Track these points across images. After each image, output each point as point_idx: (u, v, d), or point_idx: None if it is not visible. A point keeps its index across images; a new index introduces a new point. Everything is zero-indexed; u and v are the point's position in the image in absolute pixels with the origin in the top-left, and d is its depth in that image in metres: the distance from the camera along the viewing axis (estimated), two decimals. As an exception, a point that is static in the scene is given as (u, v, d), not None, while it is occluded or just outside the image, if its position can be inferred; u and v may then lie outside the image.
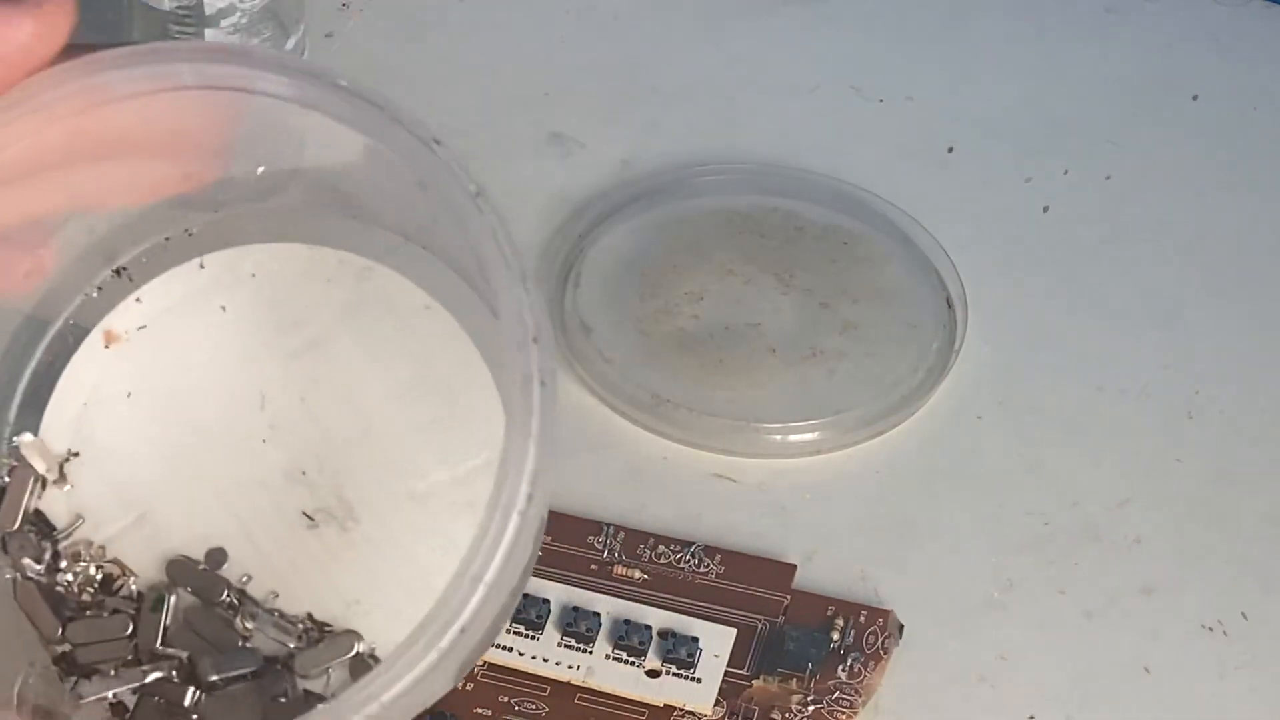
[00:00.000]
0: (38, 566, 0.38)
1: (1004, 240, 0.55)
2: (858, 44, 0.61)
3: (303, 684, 0.37)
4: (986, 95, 0.60)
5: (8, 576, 0.38)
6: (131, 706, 0.37)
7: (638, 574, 0.46)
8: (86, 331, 0.39)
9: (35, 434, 0.39)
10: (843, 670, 0.43)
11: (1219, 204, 0.56)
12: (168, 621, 0.38)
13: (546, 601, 0.44)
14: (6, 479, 0.39)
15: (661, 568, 0.46)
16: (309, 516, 0.38)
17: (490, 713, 0.43)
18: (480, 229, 0.33)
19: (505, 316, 0.33)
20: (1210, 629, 0.46)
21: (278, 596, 0.38)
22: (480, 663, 0.43)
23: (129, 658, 0.38)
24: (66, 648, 0.38)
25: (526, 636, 0.44)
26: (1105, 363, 0.52)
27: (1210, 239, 0.55)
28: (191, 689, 0.37)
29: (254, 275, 0.39)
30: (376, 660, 0.37)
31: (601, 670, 0.43)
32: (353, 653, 0.37)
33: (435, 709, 0.42)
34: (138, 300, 0.39)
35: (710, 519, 0.48)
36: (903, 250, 0.54)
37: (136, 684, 0.37)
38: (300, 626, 0.38)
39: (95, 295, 0.39)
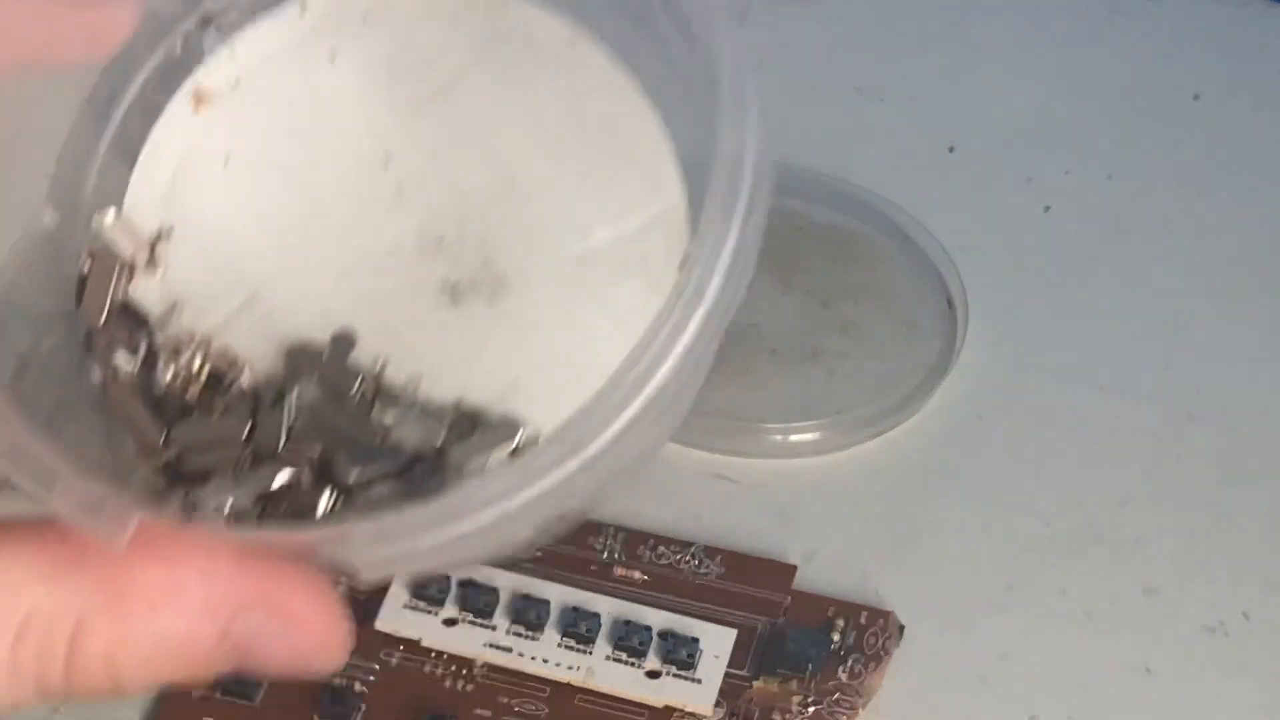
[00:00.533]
0: (132, 365, 0.32)
1: (1006, 240, 0.55)
2: (858, 44, 0.61)
3: (458, 482, 0.31)
4: (988, 95, 0.60)
5: (95, 380, 0.33)
6: (254, 518, 0.31)
7: (638, 574, 0.45)
8: (171, 92, 0.34)
9: (119, 212, 0.33)
10: (843, 671, 0.43)
11: (1219, 204, 0.56)
12: (291, 420, 0.32)
13: (546, 602, 0.44)
14: (87, 268, 0.33)
15: (662, 568, 0.46)
16: (450, 289, 0.33)
17: (490, 713, 0.43)
18: None
19: None
20: (1212, 630, 0.45)
21: (420, 384, 0.33)
22: (480, 663, 0.43)
23: (247, 465, 0.32)
24: (170, 456, 0.32)
25: (526, 637, 0.43)
26: (1105, 363, 0.51)
27: (1211, 239, 0.55)
28: (327, 492, 0.31)
29: (366, 15, 0.34)
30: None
31: (601, 671, 0.43)
32: (516, 442, 0.32)
33: (435, 708, 0.42)
34: (230, 52, 0.34)
35: (710, 519, 0.48)
36: (903, 250, 0.54)
37: (263, 488, 0.31)
38: (449, 417, 0.32)
39: (179, 48, 0.34)
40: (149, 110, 0.34)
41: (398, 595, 0.44)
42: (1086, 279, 0.54)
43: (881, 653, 0.44)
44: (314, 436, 0.32)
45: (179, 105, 0.34)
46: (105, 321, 0.33)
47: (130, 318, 0.33)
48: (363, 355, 0.33)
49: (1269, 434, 0.50)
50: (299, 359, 0.33)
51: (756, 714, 0.43)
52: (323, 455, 0.31)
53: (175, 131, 0.34)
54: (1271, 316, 0.53)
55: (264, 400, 0.32)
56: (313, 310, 0.33)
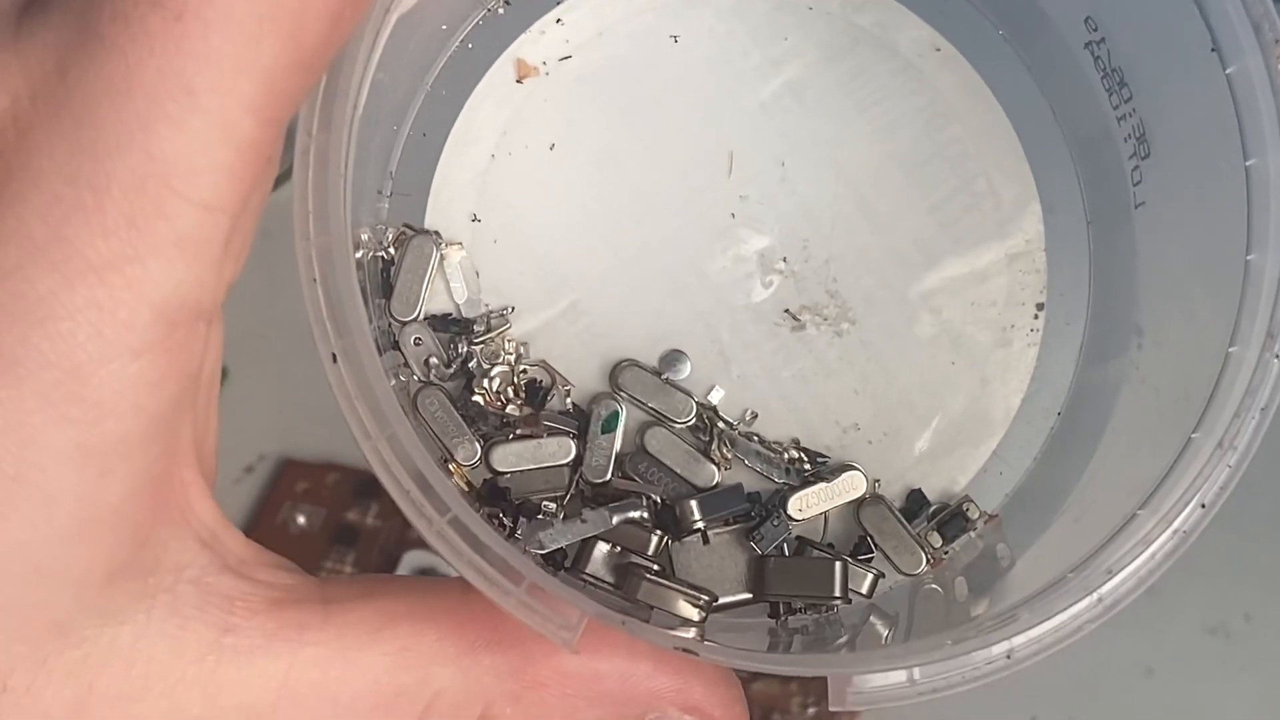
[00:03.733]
0: (445, 369, 0.29)
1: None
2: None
3: (793, 533, 0.29)
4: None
5: (401, 378, 0.30)
6: (573, 554, 0.28)
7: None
8: (491, 60, 0.30)
9: (426, 195, 0.30)
10: (844, 671, 0.43)
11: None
12: (619, 448, 0.29)
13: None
14: (389, 250, 0.29)
15: (662, 568, 0.46)
16: (793, 316, 0.30)
17: None
18: None
19: None
20: (1213, 631, 0.45)
21: (755, 418, 0.30)
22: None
23: (568, 492, 0.29)
24: (487, 475, 0.29)
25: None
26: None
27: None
28: (657, 535, 0.28)
29: None
30: (885, 502, 0.29)
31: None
32: (860, 494, 0.29)
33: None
34: (558, 22, 0.30)
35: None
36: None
37: (598, 530, 0.28)
38: (785, 456, 0.30)
39: (501, 11, 0.31)
40: (465, 77, 0.30)
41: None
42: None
43: (882, 653, 0.44)
44: (642, 466, 0.29)
45: (500, 74, 0.30)
46: (418, 316, 0.29)
47: (438, 317, 0.30)
48: (693, 380, 0.30)
49: (1269, 434, 0.50)
50: (626, 379, 0.30)
51: (757, 714, 0.42)
52: (664, 495, 0.29)
53: (494, 106, 0.30)
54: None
55: (594, 422, 0.29)
56: (640, 325, 0.30)
